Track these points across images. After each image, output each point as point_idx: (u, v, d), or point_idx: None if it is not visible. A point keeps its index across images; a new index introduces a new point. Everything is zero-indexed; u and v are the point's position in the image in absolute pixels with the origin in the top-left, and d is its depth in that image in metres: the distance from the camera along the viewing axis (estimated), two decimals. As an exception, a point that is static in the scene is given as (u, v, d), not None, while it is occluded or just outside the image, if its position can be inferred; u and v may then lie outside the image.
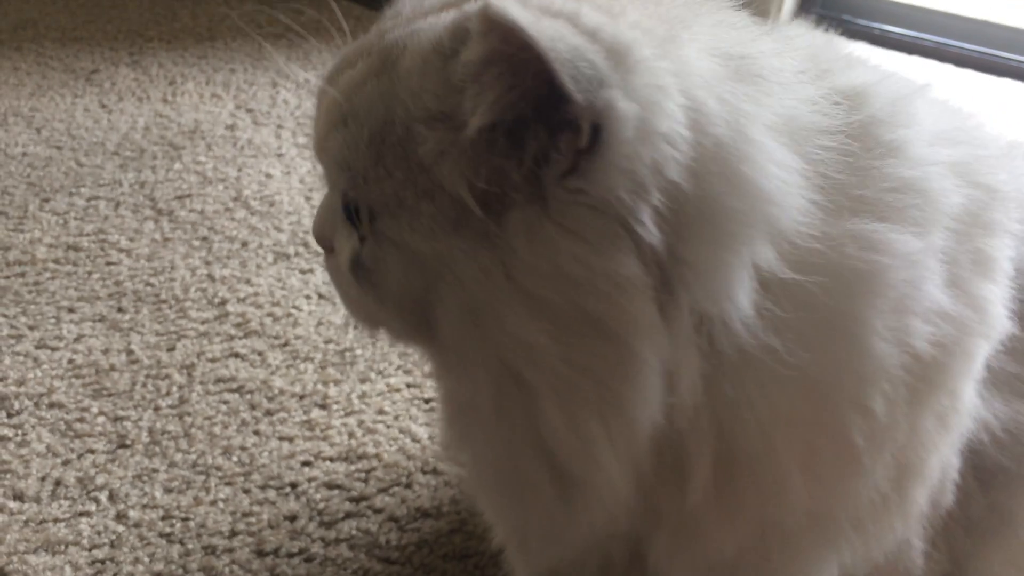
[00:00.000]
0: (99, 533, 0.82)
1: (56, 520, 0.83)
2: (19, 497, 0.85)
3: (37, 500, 0.85)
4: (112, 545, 0.81)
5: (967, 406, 0.48)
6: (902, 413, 0.44)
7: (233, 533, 0.82)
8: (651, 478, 0.45)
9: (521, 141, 0.40)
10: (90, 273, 1.15)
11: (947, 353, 0.45)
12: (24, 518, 0.83)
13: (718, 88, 0.42)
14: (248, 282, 1.14)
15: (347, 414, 0.95)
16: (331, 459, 0.90)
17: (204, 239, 1.22)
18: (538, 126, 0.40)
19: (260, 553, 0.81)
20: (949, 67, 1.90)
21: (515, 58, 0.38)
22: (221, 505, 0.85)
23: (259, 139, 1.47)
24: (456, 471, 0.89)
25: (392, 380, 0.99)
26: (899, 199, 0.44)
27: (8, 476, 0.87)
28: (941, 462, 0.49)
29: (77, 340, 1.04)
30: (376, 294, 0.47)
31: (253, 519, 0.84)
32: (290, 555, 0.81)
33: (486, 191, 0.41)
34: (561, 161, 0.40)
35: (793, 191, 0.42)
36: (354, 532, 0.83)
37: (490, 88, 0.40)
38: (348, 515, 0.84)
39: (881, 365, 0.43)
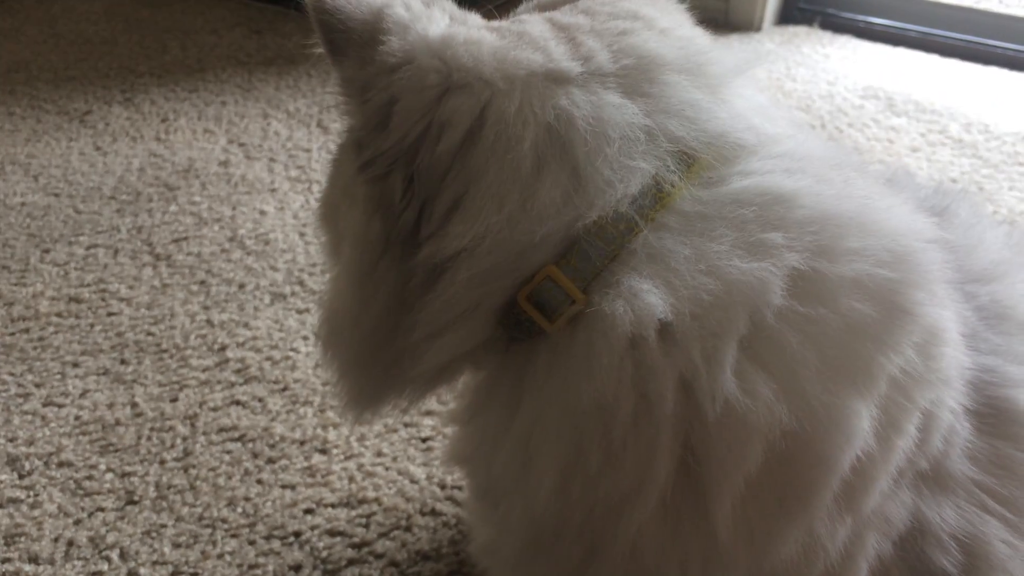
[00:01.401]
0: (112, 592, 0.85)
1: (70, 581, 0.86)
2: (34, 560, 0.88)
3: (51, 562, 0.88)
4: (125, 604, 0.84)
5: (819, 504, 0.48)
6: (667, 453, 0.48)
7: (240, 586, 0.86)
8: None
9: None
10: (92, 325, 1.18)
11: (746, 434, 0.47)
12: (39, 581, 0.86)
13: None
14: (246, 326, 1.17)
15: (347, 458, 0.98)
16: (332, 505, 0.93)
17: (202, 283, 1.25)
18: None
19: (267, 605, 0.84)
20: (935, 57, 1.91)
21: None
22: (228, 558, 0.88)
23: (252, 175, 1.50)
24: (453, 511, 0.91)
25: (389, 421, 1.02)
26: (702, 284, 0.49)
27: (23, 539, 0.90)
28: (794, 533, 0.49)
29: (82, 395, 1.07)
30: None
31: (259, 571, 0.87)
32: (296, 605, 0.84)
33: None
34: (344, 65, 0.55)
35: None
36: (357, 579, 0.86)
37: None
38: (351, 562, 0.87)
39: (657, 407, 0.48)
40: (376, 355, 0.56)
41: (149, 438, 1.01)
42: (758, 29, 2.04)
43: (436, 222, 0.51)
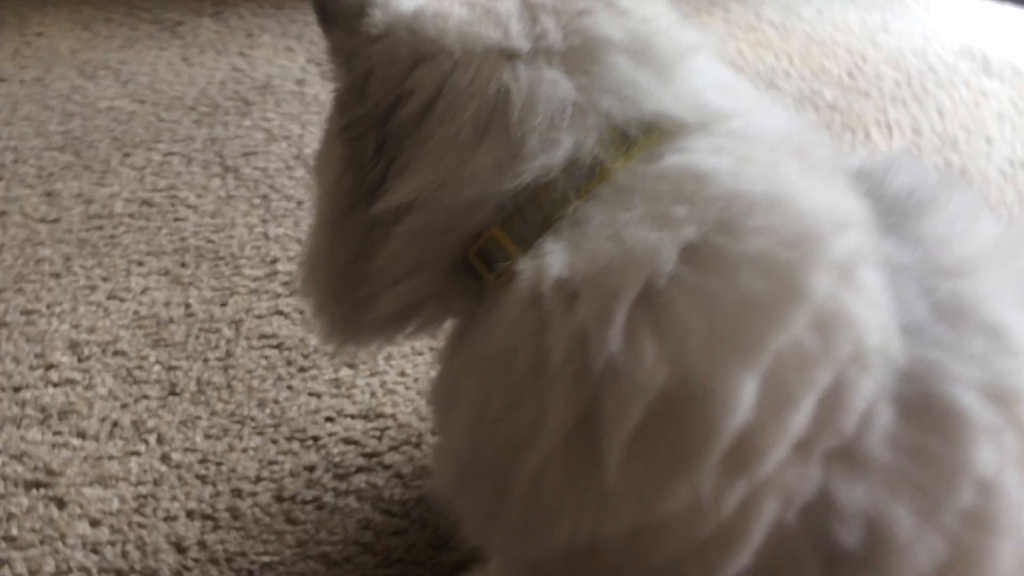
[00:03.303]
0: (145, 471, 0.94)
1: (111, 457, 0.95)
2: (81, 435, 0.98)
3: (96, 439, 0.97)
4: (155, 483, 0.93)
5: (708, 463, 0.50)
6: (562, 405, 0.52)
7: (258, 479, 0.93)
8: None
9: None
10: (159, 228, 1.26)
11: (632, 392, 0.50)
12: (84, 454, 0.96)
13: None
14: (299, 241, 1.23)
15: (372, 374, 1.04)
16: (351, 416, 0.99)
17: (264, 197, 1.32)
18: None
19: (279, 498, 0.91)
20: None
21: None
22: (251, 453, 0.96)
23: (324, 95, 1.55)
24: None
25: (417, 344, 1.07)
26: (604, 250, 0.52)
27: (74, 416, 0.99)
28: (664, 498, 0.51)
29: (143, 292, 1.16)
30: None
31: (276, 467, 0.94)
32: (304, 502, 0.91)
33: None
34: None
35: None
36: (363, 485, 0.92)
37: None
38: (360, 469, 0.94)
39: (549, 358, 0.51)
40: (345, 297, 0.62)
41: (197, 337, 1.09)
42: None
43: (390, 181, 0.56)
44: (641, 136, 0.55)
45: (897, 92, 1.61)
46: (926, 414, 0.54)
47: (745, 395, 0.50)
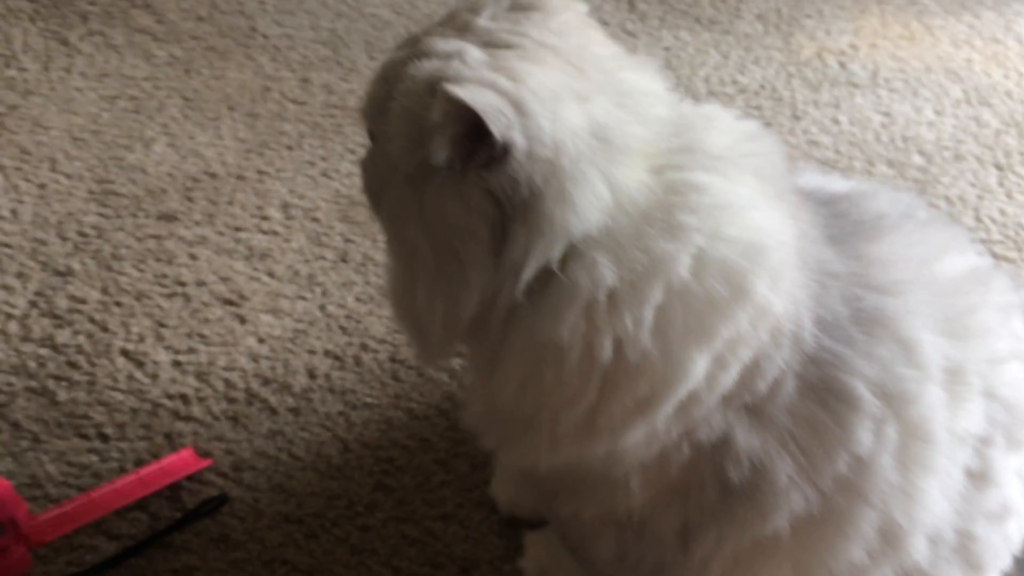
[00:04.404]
0: (306, 313, 1.21)
1: (286, 297, 1.24)
2: (270, 275, 1.27)
3: (280, 280, 1.26)
4: (310, 323, 1.20)
5: (661, 416, 0.66)
6: (589, 385, 0.66)
7: (382, 341, 1.18)
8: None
9: (443, 144, 0.64)
10: (376, 126, 1.52)
11: (637, 373, 0.65)
12: (268, 289, 1.25)
13: (576, 140, 0.64)
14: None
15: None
16: (468, 312, 1.21)
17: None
18: (469, 142, 0.64)
19: (393, 359, 1.16)
20: None
21: (461, 115, 0.62)
22: (384, 320, 1.20)
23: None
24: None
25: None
26: (629, 255, 0.64)
27: (268, 260, 1.29)
28: (632, 434, 0.67)
29: (348, 176, 1.43)
30: (364, 177, 0.80)
31: (398, 336, 1.18)
32: (409, 367, 1.15)
33: (415, 158, 0.67)
34: (481, 161, 0.64)
35: (595, 213, 0.65)
36: (456, 367, 1.14)
37: (447, 130, 0.63)
38: (458, 354, 1.16)
39: (565, 344, 0.65)
40: (442, 337, 0.72)
41: (374, 222, 1.34)
42: None
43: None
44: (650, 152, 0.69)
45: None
46: (823, 393, 0.69)
47: (700, 370, 0.66)
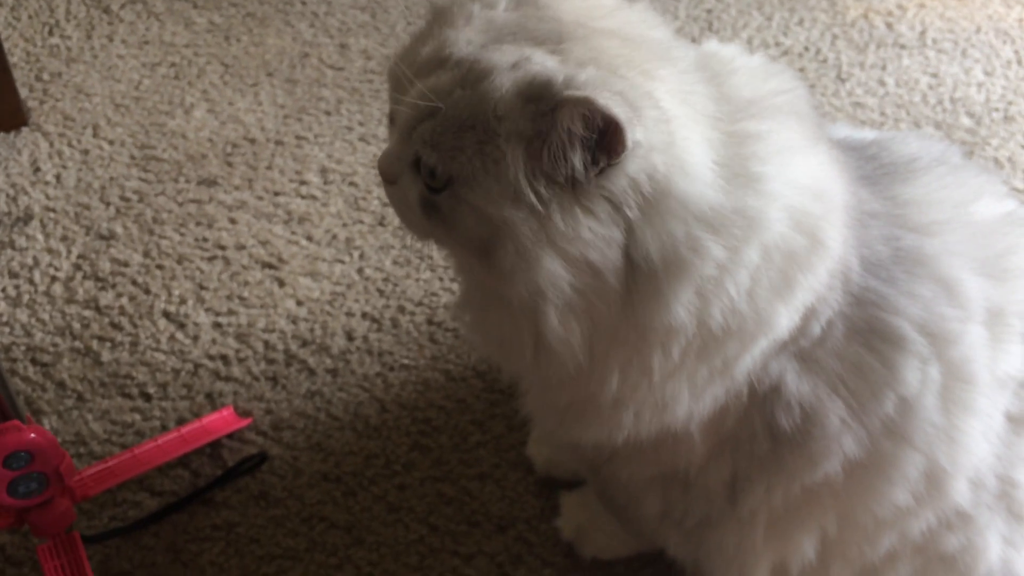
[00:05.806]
0: (344, 276, 1.22)
1: (324, 260, 1.24)
2: (308, 238, 1.27)
3: (319, 244, 1.26)
4: (348, 286, 1.21)
5: (740, 370, 0.65)
6: (688, 356, 0.64)
7: (419, 303, 1.18)
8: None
9: (568, 158, 0.60)
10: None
11: (728, 336, 0.63)
12: (306, 253, 1.25)
13: (676, 115, 0.62)
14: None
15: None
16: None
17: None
18: (589, 149, 0.59)
19: (430, 322, 1.16)
20: None
21: (592, 120, 0.58)
22: (421, 283, 1.21)
23: None
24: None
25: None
26: (728, 219, 0.61)
27: (307, 223, 1.29)
28: (712, 392, 0.67)
29: (385, 140, 1.42)
30: (445, 228, 0.64)
31: (435, 299, 1.18)
32: (447, 330, 1.15)
33: (535, 185, 0.61)
34: (599, 168, 0.60)
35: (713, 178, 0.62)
36: (494, 329, 1.14)
37: (573, 134, 0.58)
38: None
39: (680, 325, 0.63)
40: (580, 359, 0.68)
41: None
42: None
43: None
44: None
45: None
46: (868, 335, 0.68)
47: (784, 321, 0.65)
